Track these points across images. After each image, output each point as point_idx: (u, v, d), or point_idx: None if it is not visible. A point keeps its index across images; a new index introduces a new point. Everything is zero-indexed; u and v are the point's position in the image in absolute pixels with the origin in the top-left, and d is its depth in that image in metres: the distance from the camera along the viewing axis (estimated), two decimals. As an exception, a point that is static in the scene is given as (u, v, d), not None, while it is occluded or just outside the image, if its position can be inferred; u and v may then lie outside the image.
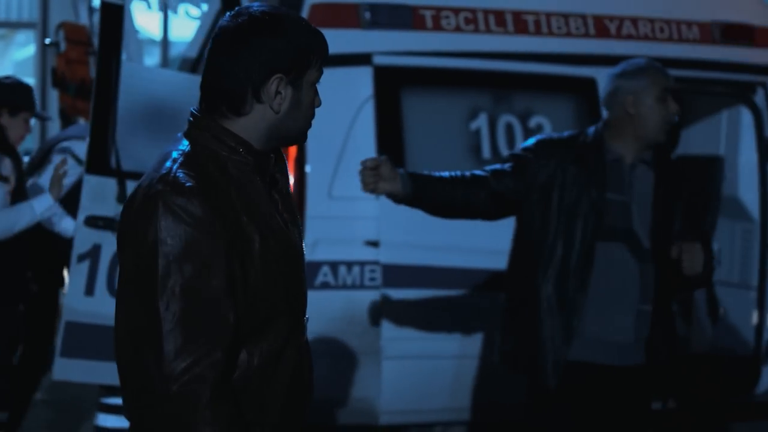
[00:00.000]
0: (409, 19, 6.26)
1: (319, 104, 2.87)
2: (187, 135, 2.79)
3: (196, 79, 6.39)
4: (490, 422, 6.31)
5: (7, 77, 6.31)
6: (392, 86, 6.16)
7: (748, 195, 7.39)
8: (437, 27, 6.30)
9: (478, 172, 4.87)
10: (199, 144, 2.75)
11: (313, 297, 5.81)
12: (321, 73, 2.82)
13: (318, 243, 5.93)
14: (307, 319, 2.93)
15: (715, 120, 7.70)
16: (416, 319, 6.06)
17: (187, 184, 2.64)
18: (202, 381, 2.58)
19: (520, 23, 6.52)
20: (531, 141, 4.97)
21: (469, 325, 6.14)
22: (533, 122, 6.47)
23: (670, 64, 6.83)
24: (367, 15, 6.21)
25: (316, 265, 5.96)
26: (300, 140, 2.90)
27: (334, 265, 5.94)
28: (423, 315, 6.07)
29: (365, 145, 6.01)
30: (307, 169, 6.01)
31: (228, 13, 2.79)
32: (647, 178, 4.84)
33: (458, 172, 4.83)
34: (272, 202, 2.82)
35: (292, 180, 6.00)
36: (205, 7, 7.20)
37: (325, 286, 5.97)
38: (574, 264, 4.71)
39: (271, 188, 2.85)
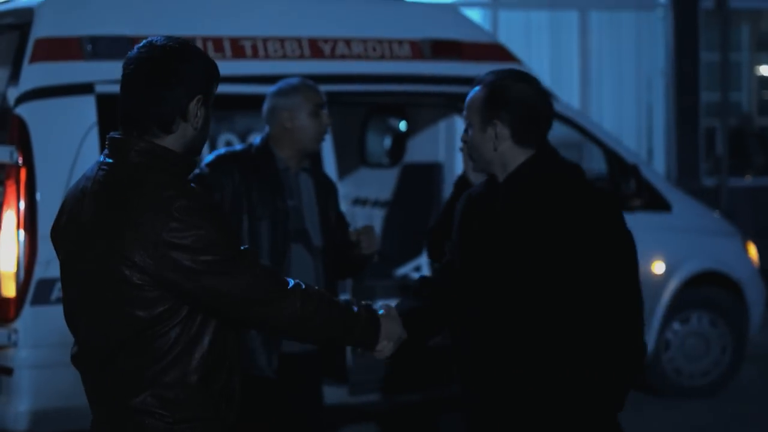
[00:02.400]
0: (130, 49, 6.65)
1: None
2: (116, 155, 3.24)
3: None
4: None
5: None
6: (115, 113, 6.56)
7: (467, 196, 8.02)
8: (157, 55, 6.75)
9: None
10: (135, 161, 3.21)
11: (50, 311, 6.28)
12: (214, 94, 3.33)
13: (51, 261, 6.28)
14: None
15: (434, 130, 8.32)
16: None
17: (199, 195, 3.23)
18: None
19: (237, 48, 7.02)
20: (210, 157, 5.40)
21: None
22: (252, 139, 6.96)
23: (385, 80, 7.47)
24: (89, 47, 6.62)
25: (51, 282, 6.36)
26: (200, 153, 3.39)
27: (67, 282, 6.30)
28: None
29: (92, 168, 6.41)
30: (38, 192, 6.39)
31: (137, 46, 3.26)
32: (308, 183, 5.41)
33: None
34: None
35: (23, 205, 6.38)
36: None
37: (60, 300, 6.33)
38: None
39: None
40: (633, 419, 8.21)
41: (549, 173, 3.73)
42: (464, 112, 3.82)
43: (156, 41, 3.25)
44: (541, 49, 14.91)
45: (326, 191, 5.48)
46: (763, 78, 17.36)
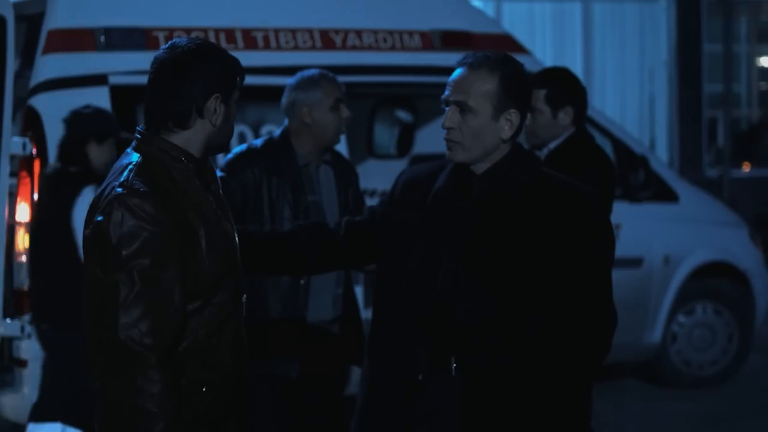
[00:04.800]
0: (143, 41, 6.71)
1: (234, 119, 3.48)
2: (136, 149, 3.36)
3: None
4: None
5: (87, 106, 6.18)
6: (128, 103, 6.60)
7: (477, 187, 8.04)
8: (170, 47, 6.78)
9: None
10: (147, 156, 3.32)
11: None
12: (239, 92, 3.41)
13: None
14: (245, 296, 3.50)
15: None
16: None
17: (141, 189, 3.23)
18: (151, 349, 3.17)
19: (249, 40, 7.03)
20: (230, 156, 5.27)
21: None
22: (264, 130, 6.97)
23: (395, 71, 7.49)
24: (102, 38, 6.65)
25: None
26: (225, 149, 3.49)
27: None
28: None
29: (107, 159, 6.43)
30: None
31: (163, 47, 3.36)
32: (329, 176, 5.33)
33: None
34: (209, 201, 3.39)
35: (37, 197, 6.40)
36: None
37: None
38: None
39: (206, 190, 3.41)
40: (647, 411, 8.28)
41: (533, 168, 3.56)
42: (461, 96, 3.46)
43: (178, 42, 3.37)
44: (545, 40, 14.96)
45: (346, 182, 5.42)
46: (762, 69, 17.41)
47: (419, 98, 8.51)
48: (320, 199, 5.28)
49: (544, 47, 14.61)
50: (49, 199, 6.11)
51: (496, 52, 3.58)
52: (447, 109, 3.54)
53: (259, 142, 5.38)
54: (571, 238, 3.46)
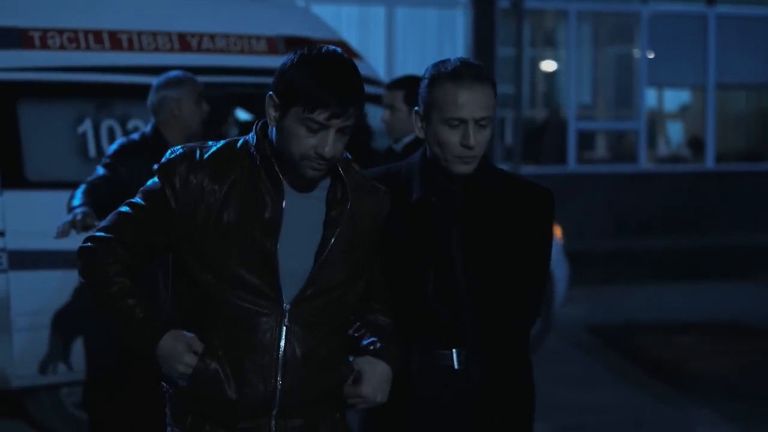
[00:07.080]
0: (20, 39, 7.19)
1: (324, 150, 3.20)
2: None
3: None
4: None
5: None
6: (7, 99, 7.08)
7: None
8: (44, 46, 7.28)
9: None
10: (239, 138, 3.41)
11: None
12: (310, 119, 3.20)
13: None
14: (288, 308, 3.29)
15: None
16: (44, 296, 7.00)
17: (180, 151, 3.43)
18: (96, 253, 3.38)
19: (115, 41, 7.59)
20: (113, 147, 6.28)
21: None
22: (131, 124, 7.55)
23: (243, 72, 8.14)
24: (-18, 36, 7.11)
25: None
26: (295, 167, 3.25)
27: (-34, 254, 6.80)
28: (50, 292, 7.03)
29: (-13, 150, 6.92)
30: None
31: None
32: None
33: None
34: (252, 197, 3.29)
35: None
36: None
37: None
38: None
39: (260, 190, 3.28)
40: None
41: (492, 167, 3.80)
42: (488, 112, 3.57)
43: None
44: (351, 42, 15.67)
45: None
46: (545, 73, 18.53)
47: (261, 97, 9.15)
48: None
49: (351, 48, 15.35)
50: None
51: (470, 61, 3.64)
52: (458, 127, 3.60)
53: (136, 136, 6.37)
54: (538, 227, 3.74)
